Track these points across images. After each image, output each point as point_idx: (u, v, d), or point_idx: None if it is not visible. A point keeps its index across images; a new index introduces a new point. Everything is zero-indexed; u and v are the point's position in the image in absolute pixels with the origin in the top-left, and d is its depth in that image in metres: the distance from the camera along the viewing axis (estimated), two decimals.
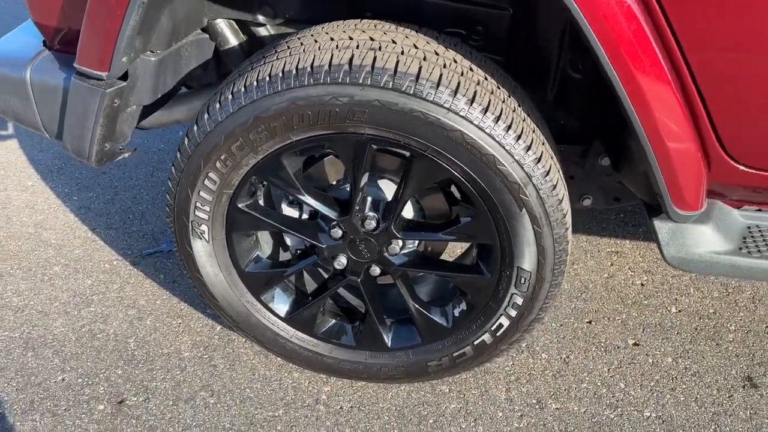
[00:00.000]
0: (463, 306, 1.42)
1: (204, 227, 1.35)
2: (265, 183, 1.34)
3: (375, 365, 1.51)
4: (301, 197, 1.31)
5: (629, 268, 1.96)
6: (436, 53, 1.17)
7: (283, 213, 1.42)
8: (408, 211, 1.40)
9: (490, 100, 1.13)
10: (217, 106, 1.20)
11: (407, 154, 1.21)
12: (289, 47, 1.21)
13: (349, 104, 1.12)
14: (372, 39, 1.17)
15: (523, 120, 1.17)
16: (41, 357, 1.65)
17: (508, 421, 1.50)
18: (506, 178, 1.16)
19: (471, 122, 1.11)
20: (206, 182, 1.27)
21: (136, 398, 1.55)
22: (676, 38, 1.06)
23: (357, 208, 1.30)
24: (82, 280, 1.89)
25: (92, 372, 1.61)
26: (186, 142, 1.25)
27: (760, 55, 1.07)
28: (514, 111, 1.17)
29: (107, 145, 1.33)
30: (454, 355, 1.45)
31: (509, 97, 1.19)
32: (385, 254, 1.36)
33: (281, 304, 1.49)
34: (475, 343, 1.42)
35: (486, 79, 1.18)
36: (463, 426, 1.49)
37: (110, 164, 2.37)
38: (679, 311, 1.81)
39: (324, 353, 1.53)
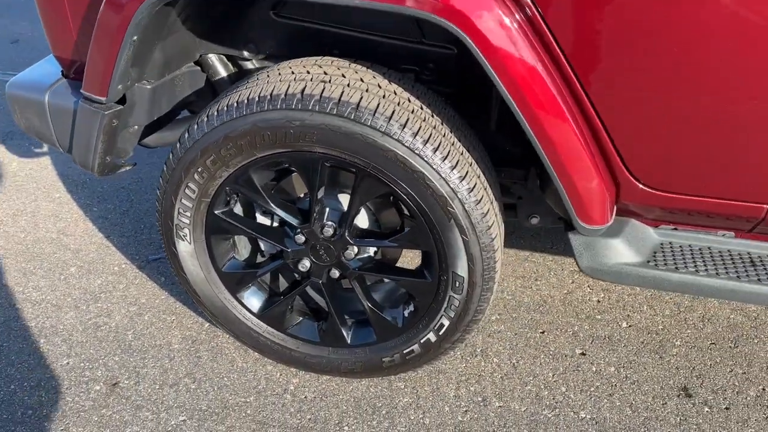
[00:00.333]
0: (411, 308, 1.60)
1: (186, 230, 1.57)
2: (238, 193, 1.55)
3: (336, 360, 1.70)
4: (266, 206, 1.52)
5: (588, 286, 2.10)
6: (379, 86, 1.37)
7: (256, 220, 1.63)
8: (364, 222, 1.59)
9: (420, 126, 1.32)
10: (196, 126, 1.43)
11: (354, 170, 1.41)
12: (258, 79, 1.43)
13: (300, 127, 1.33)
14: (325, 73, 1.38)
15: (452, 144, 1.36)
16: (51, 343, 1.88)
17: (453, 415, 1.66)
18: (435, 193, 1.34)
19: (403, 144, 1.31)
20: (187, 191, 1.50)
21: (128, 381, 1.76)
22: (578, 78, 1.24)
23: (316, 216, 1.51)
24: (93, 280, 2.13)
25: (93, 358, 1.84)
26: (171, 157, 1.48)
27: (653, 93, 1.24)
28: (443, 136, 1.36)
29: (108, 158, 1.58)
30: (404, 352, 1.62)
31: (441, 124, 1.38)
32: (342, 259, 1.56)
33: (255, 301, 1.70)
34: (422, 341, 1.59)
35: (421, 108, 1.37)
36: (412, 417, 1.66)
37: (128, 180, 2.65)
38: (629, 326, 1.95)
39: (292, 348, 1.72)
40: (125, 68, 1.39)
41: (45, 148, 2.94)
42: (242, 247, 1.71)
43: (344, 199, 1.55)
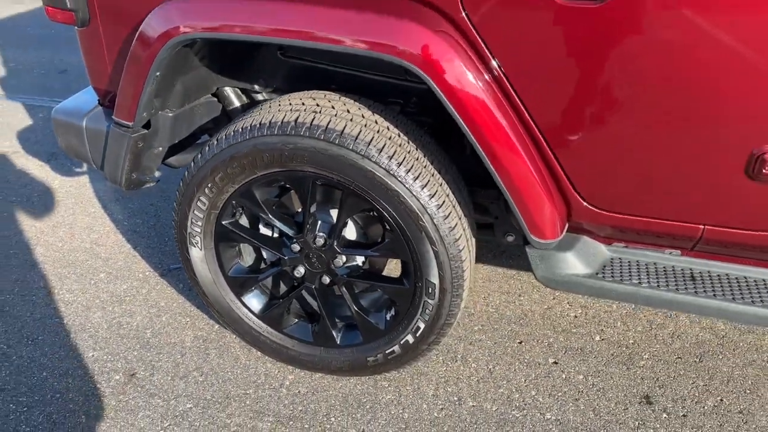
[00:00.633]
0: (393, 312, 1.80)
1: (197, 238, 1.80)
2: (242, 206, 1.79)
3: (327, 359, 1.89)
4: (266, 218, 1.75)
5: (568, 303, 2.26)
6: (363, 116, 1.60)
7: (258, 231, 1.86)
8: (351, 234, 1.80)
9: (395, 150, 1.54)
10: (207, 148, 1.67)
11: (340, 188, 1.63)
12: (260, 109, 1.67)
13: (294, 149, 1.56)
14: (317, 105, 1.62)
15: (424, 166, 1.57)
16: (80, 338, 2.13)
17: (429, 411, 1.84)
18: (407, 209, 1.55)
19: (380, 166, 1.52)
20: (199, 204, 1.73)
21: (144, 373, 1.99)
22: (530, 116, 1.45)
23: (308, 228, 1.73)
24: (120, 285, 2.38)
25: (115, 352, 2.07)
26: (186, 174, 1.72)
27: (595, 126, 1.43)
28: (416, 159, 1.57)
29: (134, 174, 1.83)
30: (386, 352, 1.81)
31: (416, 149, 1.59)
32: (332, 266, 1.77)
33: (256, 303, 1.92)
34: (402, 342, 1.78)
35: (398, 135, 1.59)
36: (392, 412, 1.84)
37: (156, 198, 2.92)
38: (602, 339, 2.10)
39: (288, 347, 1.92)
40: (150, 98, 1.65)
41: (84, 168, 3.24)
42: (247, 254, 1.93)
43: (334, 214, 1.77)
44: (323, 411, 1.85)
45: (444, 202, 1.57)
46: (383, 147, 1.53)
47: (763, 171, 1.37)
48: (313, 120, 1.55)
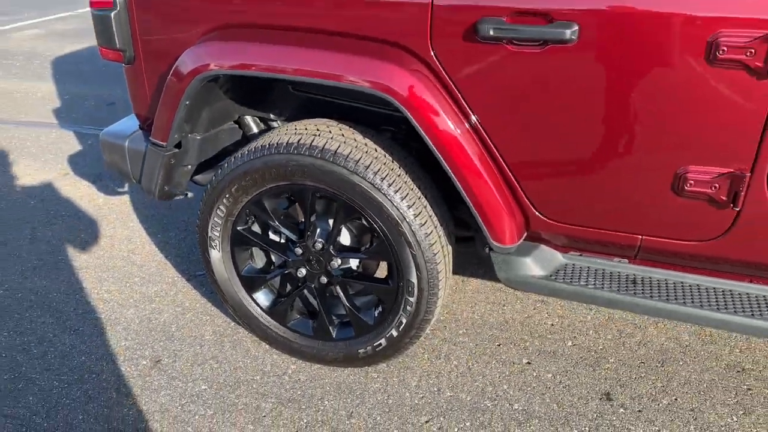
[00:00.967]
0: (380, 309, 2.07)
1: (216, 241, 2.12)
2: (255, 215, 2.10)
3: (323, 350, 2.17)
4: (273, 224, 2.06)
5: (547, 313, 2.50)
6: (355, 139, 1.90)
7: (268, 236, 2.16)
8: (346, 239, 2.10)
9: (380, 168, 1.83)
10: (226, 165, 1.99)
11: (334, 199, 1.93)
12: (271, 132, 2.00)
13: (296, 166, 1.87)
14: (318, 130, 1.93)
15: (404, 181, 1.86)
16: (114, 330, 2.45)
17: (411, 398, 2.09)
18: (389, 217, 1.84)
19: (366, 180, 1.82)
20: (218, 211, 2.05)
21: (167, 360, 2.29)
22: (491, 140, 1.73)
23: (309, 234, 2.03)
24: (151, 288, 2.71)
25: (144, 342, 2.38)
26: (209, 186, 2.05)
27: (545, 150, 1.71)
28: (398, 175, 1.86)
29: (166, 187, 2.17)
30: (375, 345, 2.08)
31: (399, 167, 1.89)
32: (329, 268, 2.06)
33: (265, 300, 2.21)
34: (387, 336, 2.05)
35: (384, 155, 1.89)
36: (379, 398, 2.10)
37: (187, 214, 3.27)
38: (574, 345, 2.33)
39: (291, 339, 2.21)
40: (180, 123, 1.99)
41: (125, 189, 3.63)
42: (258, 257, 2.24)
43: (331, 222, 2.07)
44: (318, 395, 2.12)
45: (421, 212, 1.86)
46: (369, 164, 1.83)
47: (685, 188, 1.62)
48: (312, 141, 1.86)
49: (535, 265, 1.86)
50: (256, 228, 2.15)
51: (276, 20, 1.82)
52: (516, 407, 2.05)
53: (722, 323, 1.71)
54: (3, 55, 6.87)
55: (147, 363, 2.28)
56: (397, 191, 1.83)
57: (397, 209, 1.83)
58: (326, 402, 2.09)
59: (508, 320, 2.46)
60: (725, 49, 1.45)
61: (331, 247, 2.02)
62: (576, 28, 1.53)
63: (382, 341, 2.06)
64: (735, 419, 2.00)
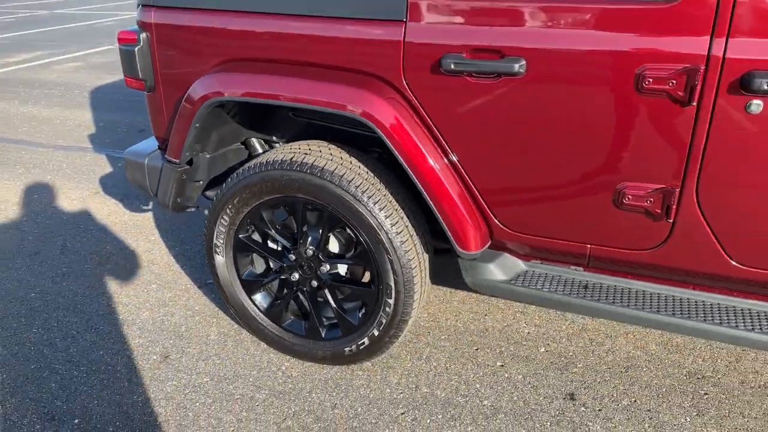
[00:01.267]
0: (363, 310, 2.30)
1: (221, 248, 2.38)
2: (254, 224, 2.36)
3: (314, 349, 2.40)
4: (270, 233, 2.31)
5: (525, 323, 2.70)
6: (341, 158, 2.16)
7: (266, 243, 2.42)
8: (335, 247, 2.34)
9: (361, 182, 2.09)
10: (230, 180, 2.27)
11: (323, 210, 2.19)
12: (269, 152, 2.27)
13: (288, 180, 2.13)
14: (309, 149, 2.20)
15: (383, 195, 2.11)
16: (130, 329, 2.72)
17: (391, 393, 2.30)
18: (369, 226, 2.08)
19: (348, 193, 2.07)
20: (222, 221, 2.32)
21: (176, 355, 2.55)
22: (458, 160, 1.98)
23: (301, 242, 2.28)
24: (166, 293, 2.99)
25: (156, 340, 2.65)
26: (215, 199, 2.33)
27: (503, 168, 1.94)
28: (377, 189, 2.11)
29: (179, 199, 2.46)
30: (359, 343, 2.30)
31: (378, 182, 2.13)
32: (318, 273, 2.31)
33: (263, 302, 2.46)
34: (370, 335, 2.27)
35: (366, 172, 2.14)
36: (361, 393, 2.31)
37: (202, 229, 3.55)
38: (546, 351, 2.52)
39: (285, 338, 2.45)
40: (191, 143, 2.28)
41: (150, 206, 3.95)
42: (258, 262, 2.50)
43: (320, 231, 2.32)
44: (307, 389, 2.34)
45: (398, 222, 2.10)
46: (352, 179, 2.08)
47: (624, 202, 1.84)
48: (303, 159, 2.13)
49: (497, 270, 2.08)
50: (255, 236, 2.41)
51: (273, 54, 2.11)
52: (485, 403, 2.25)
53: (662, 324, 1.89)
54: (46, 86, 7.39)
55: (157, 358, 2.54)
56: (376, 203, 2.08)
57: (376, 219, 2.07)
58: (314, 394, 2.32)
59: (488, 328, 2.67)
60: (650, 80, 1.68)
61: (320, 253, 2.27)
62: (524, 62, 1.78)
63: (366, 340, 2.29)
64: (688, 419, 2.16)
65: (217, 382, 2.39)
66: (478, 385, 2.34)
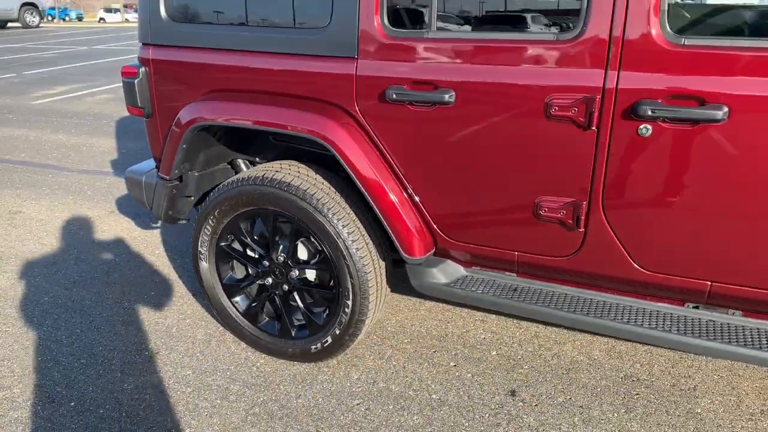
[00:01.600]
0: (327, 311, 2.59)
1: (204, 255, 2.70)
2: (233, 233, 2.67)
3: (285, 347, 2.68)
4: (246, 241, 2.63)
5: (483, 329, 2.94)
6: (308, 175, 2.48)
7: (244, 251, 2.73)
8: (303, 254, 2.64)
9: (322, 196, 2.39)
10: (212, 194, 2.60)
11: (290, 221, 2.49)
12: (247, 171, 2.59)
13: (261, 194, 2.45)
14: (281, 167, 2.52)
15: (342, 207, 2.41)
16: (127, 330, 3.04)
17: (351, 387, 2.56)
18: (328, 235, 2.38)
19: (311, 205, 2.38)
20: (205, 230, 2.65)
21: (164, 352, 2.85)
22: (404, 177, 2.27)
23: (272, 249, 2.58)
24: (163, 299, 3.31)
25: (149, 339, 2.96)
26: (200, 210, 2.65)
27: (442, 185, 2.23)
28: (337, 203, 2.41)
29: (170, 212, 2.79)
30: (323, 341, 2.58)
31: (339, 197, 2.44)
32: (289, 277, 2.60)
33: (241, 304, 2.76)
34: (332, 333, 2.55)
35: (329, 188, 2.45)
36: (324, 386, 2.58)
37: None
38: (498, 354, 2.76)
39: (261, 338, 2.74)
40: (180, 162, 2.62)
41: (158, 225, 4.31)
42: (238, 268, 2.80)
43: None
44: (277, 382, 2.62)
45: (354, 231, 2.39)
46: (314, 193, 2.39)
47: (541, 213, 2.10)
48: (273, 176, 2.45)
49: (440, 274, 2.35)
50: (235, 244, 2.73)
51: (250, 86, 2.46)
52: (434, 397, 2.49)
53: (578, 322, 2.14)
54: (77, 116, 7.93)
55: (148, 353, 2.85)
56: (335, 214, 2.38)
57: (335, 229, 2.37)
58: (282, 387, 2.59)
59: (448, 333, 2.92)
60: (556, 107, 1.96)
61: (290, 260, 2.57)
62: (453, 93, 2.08)
63: (329, 338, 2.56)
64: (616, 415, 2.37)
65: (198, 375, 2.68)
66: (429, 382, 2.58)
